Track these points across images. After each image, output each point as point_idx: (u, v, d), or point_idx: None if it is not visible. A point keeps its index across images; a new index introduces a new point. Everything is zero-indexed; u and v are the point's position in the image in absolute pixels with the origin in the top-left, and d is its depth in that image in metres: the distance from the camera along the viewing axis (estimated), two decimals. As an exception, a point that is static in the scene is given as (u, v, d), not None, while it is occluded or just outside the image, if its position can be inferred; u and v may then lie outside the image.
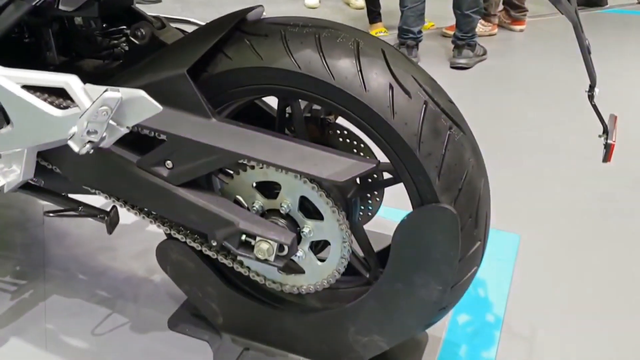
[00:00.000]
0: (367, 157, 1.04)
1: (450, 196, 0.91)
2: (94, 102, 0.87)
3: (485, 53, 3.29)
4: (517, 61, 3.42)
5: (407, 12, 3.07)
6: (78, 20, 1.20)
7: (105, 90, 0.87)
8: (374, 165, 0.91)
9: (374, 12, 3.72)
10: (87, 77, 0.97)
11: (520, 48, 3.73)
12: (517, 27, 3.94)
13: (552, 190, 1.96)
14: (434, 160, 0.90)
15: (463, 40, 3.11)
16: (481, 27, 3.59)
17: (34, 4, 0.95)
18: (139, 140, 1.03)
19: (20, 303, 1.34)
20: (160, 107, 0.89)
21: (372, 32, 3.59)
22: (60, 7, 0.95)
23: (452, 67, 3.15)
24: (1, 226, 1.61)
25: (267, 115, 1.19)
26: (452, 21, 3.26)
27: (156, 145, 1.01)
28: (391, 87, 0.90)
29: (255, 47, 0.95)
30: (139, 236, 1.57)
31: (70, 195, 1.18)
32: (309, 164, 0.93)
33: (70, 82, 0.93)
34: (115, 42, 1.24)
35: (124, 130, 0.92)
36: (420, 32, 3.14)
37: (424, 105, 0.90)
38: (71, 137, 0.91)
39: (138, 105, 0.90)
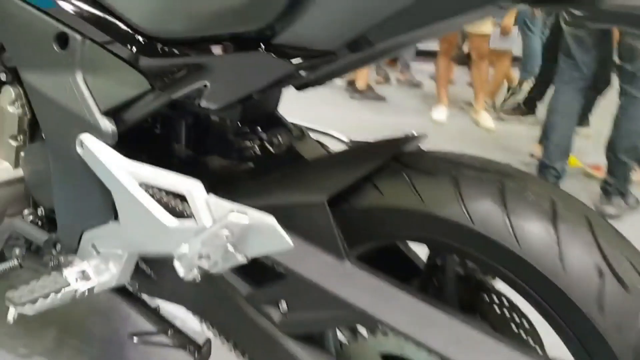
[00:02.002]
0: (538, 349, 0.79)
1: None
2: (215, 223, 0.71)
3: (638, 203, 2.89)
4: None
5: (552, 147, 2.81)
6: (214, 116, 1.10)
7: (231, 212, 0.71)
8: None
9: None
10: (213, 177, 0.83)
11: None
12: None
13: None
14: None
15: (614, 187, 2.75)
16: (638, 174, 3.19)
17: (173, 97, 0.83)
18: (252, 265, 0.85)
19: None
20: (291, 243, 0.71)
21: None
22: (202, 104, 0.83)
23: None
24: (86, 313, 1.49)
25: (406, 259, 0.98)
26: (597, 158, 2.94)
27: (272, 278, 0.83)
28: (600, 272, 0.66)
29: (416, 186, 0.76)
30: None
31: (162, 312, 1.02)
32: (464, 351, 0.69)
33: (193, 191, 0.78)
34: (249, 143, 1.11)
35: (242, 261, 0.74)
36: (563, 169, 2.84)
37: (649, 308, 0.64)
38: (179, 257, 0.75)
39: (265, 235, 0.72)
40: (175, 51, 0.80)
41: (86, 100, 0.87)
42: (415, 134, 0.88)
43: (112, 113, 0.87)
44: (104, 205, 0.89)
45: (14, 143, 1.03)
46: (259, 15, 0.71)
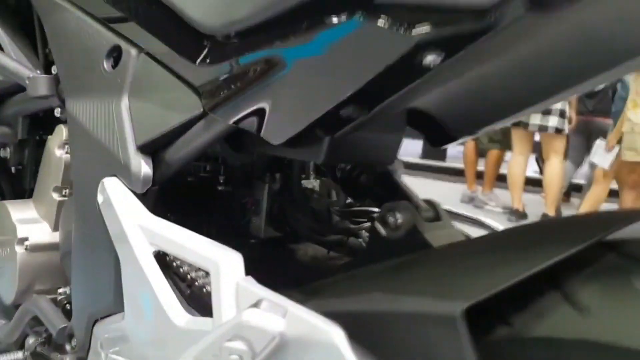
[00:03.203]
0: None
1: None
2: (218, 326, 0.36)
3: None
4: None
5: None
6: (313, 182, 0.78)
7: (253, 306, 0.35)
8: None
9: None
10: (299, 263, 0.55)
11: None
12: None
13: None
14: None
15: None
16: None
17: (230, 122, 0.53)
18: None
19: None
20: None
21: None
22: (263, 135, 0.51)
23: None
24: None
25: None
26: None
27: None
28: None
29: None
30: None
31: None
32: None
33: (220, 264, 0.44)
34: (356, 226, 0.76)
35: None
36: None
37: None
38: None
39: (323, 355, 0.34)
40: (233, 49, 0.52)
41: (124, 131, 0.61)
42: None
43: (150, 149, 0.60)
44: (117, 285, 0.59)
45: (56, 197, 0.79)
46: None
